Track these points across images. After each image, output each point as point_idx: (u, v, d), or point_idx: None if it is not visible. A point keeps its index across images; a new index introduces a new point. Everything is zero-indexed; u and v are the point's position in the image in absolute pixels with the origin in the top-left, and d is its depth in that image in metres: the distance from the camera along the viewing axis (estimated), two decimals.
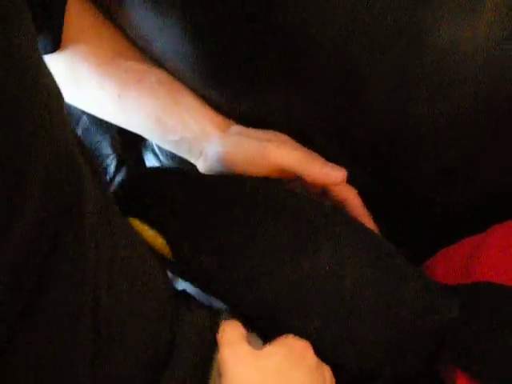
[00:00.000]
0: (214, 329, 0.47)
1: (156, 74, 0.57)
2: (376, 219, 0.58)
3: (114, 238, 0.42)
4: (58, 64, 0.57)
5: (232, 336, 0.46)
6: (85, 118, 0.72)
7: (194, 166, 0.59)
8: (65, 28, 0.54)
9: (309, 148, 0.56)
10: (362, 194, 0.58)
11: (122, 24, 0.57)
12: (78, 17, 0.56)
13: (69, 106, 0.70)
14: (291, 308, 0.48)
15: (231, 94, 0.55)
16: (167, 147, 0.61)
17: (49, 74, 0.36)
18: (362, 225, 0.54)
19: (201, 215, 0.49)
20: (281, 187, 0.53)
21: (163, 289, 0.47)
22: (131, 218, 0.50)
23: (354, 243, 0.50)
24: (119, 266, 0.41)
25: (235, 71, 0.53)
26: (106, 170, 0.73)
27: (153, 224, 0.50)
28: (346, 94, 0.52)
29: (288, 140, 0.56)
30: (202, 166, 0.58)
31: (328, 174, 0.53)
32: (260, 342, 0.48)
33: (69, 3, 0.54)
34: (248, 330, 0.48)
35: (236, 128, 0.57)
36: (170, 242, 0.50)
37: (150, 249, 0.49)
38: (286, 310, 0.48)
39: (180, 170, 0.56)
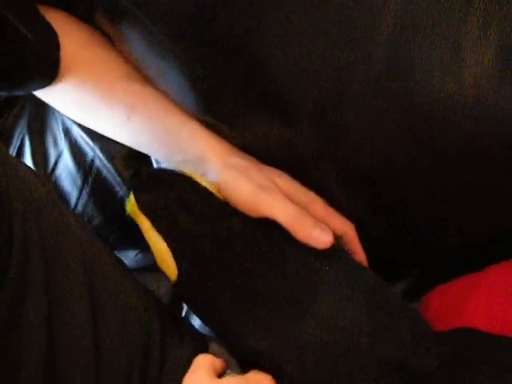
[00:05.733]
0: None
1: (161, 96, 0.59)
2: (375, 250, 0.59)
3: None
4: (61, 94, 0.60)
5: (197, 365, 0.49)
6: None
7: None
8: (65, 59, 0.57)
9: (305, 179, 0.56)
10: (359, 225, 0.58)
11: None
12: (78, 46, 0.59)
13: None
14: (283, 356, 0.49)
15: (228, 124, 0.56)
16: (173, 166, 0.63)
17: None
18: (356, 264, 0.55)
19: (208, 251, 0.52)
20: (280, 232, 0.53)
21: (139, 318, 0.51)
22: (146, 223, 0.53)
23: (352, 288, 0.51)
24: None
25: (228, 103, 0.54)
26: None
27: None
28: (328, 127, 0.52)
29: (287, 183, 0.55)
30: None
31: (316, 239, 0.51)
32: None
33: (68, 33, 0.57)
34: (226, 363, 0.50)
35: (236, 160, 0.57)
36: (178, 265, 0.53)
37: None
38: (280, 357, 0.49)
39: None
